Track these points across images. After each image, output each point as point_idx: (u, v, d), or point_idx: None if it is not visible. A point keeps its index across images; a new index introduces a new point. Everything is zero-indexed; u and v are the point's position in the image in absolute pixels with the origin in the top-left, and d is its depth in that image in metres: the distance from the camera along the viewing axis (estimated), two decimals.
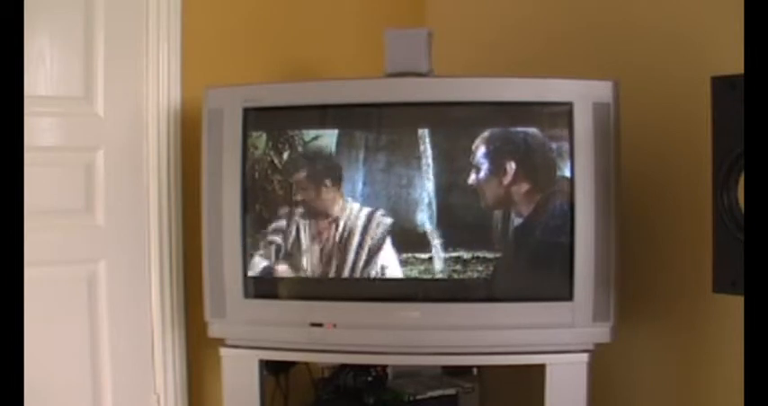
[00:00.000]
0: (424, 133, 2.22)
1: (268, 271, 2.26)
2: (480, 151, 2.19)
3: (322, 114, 2.27)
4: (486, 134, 2.21)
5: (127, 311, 2.49)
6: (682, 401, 2.38)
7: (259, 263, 2.25)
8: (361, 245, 2.21)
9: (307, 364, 2.51)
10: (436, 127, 2.24)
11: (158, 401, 2.55)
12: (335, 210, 2.22)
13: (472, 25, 2.92)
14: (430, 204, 2.20)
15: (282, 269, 2.26)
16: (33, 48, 2.30)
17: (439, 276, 2.20)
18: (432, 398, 2.47)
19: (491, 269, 2.18)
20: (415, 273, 2.20)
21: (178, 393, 2.58)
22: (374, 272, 2.21)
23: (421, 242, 2.20)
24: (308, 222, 2.24)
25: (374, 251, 2.21)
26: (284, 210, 2.25)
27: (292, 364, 2.49)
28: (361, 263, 2.22)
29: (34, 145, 2.23)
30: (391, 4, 3.01)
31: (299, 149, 2.25)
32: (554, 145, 2.16)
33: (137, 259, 2.52)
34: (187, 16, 2.56)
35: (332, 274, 2.23)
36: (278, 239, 2.25)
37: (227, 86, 2.27)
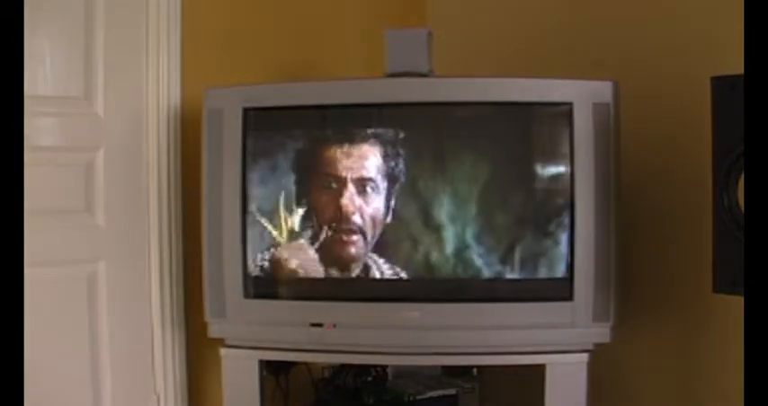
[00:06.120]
0: (423, 133, 2.22)
1: (268, 271, 2.26)
2: (479, 151, 2.19)
3: (322, 114, 2.27)
4: (485, 134, 2.21)
5: (127, 311, 2.49)
6: (682, 401, 2.38)
7: (259, 263, 2.25)
8: (360, 245, 2.21)
9: (307, 364, 2.51)
10: (436, 128, 2.24)
11: (158, 401, 2.55)
12: (335, 210, 2.22)
13: (472, 25, 2.92)
14: (429, 204, 2.20)
15: (282, 270, 2.26)
16: (33, 48, 2.29)
17: (439, 276, 2.20)
18: (432, 398, 2.47)
19: (491, 269, 2.18)
20: (415, 273, 2.20)
21: (178, 393, 2.57)
22: (374, 272, 2.21)
23: (420, 242, 2.20)
24: (308, 222, 2.24)
25: (374, 251, 2.21)
26: (284, 210, 2.25)
27: (292, 364, 2.48)
28: (360, 263, 2.22)
29: (34, 145, 2.22)
30: (391, 4, 3.01)
31: (299, 149, 2.25)
32: (554, 145, 2.16)
33: (137, 259, 2.52)
34: (187, 16, 2.56)
35: (332, 274, 2.23)
36: (278, 239, 2.25)
37: (227, 86, 2.27)
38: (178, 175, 2.56)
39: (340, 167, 2.22)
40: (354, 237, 2.21)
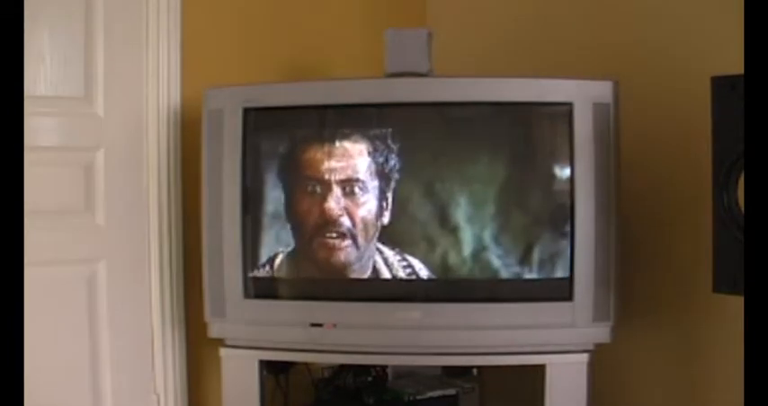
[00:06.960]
0: (423, 133, 2.22)
1: (268, 271, 2.26)
2: (479, 151, 2.19)
3: (322, 114, 2.27)
4: (485, 134, 2.21)
5: (127, 311, 2.49)
6: (682, 401, 2.38)
7: (259, 263, 2.25)
8: (361, 245, 2.21)
9: (307, 364, 2.51)
10: (436, 128, 2.24)
11: (158, 402, 2.55)
12: (336, 210, 2.22)
13: (472, 25, 2.92)
14: (429, 204, 2.20)
15: (282, 269, 2.26)
16: (33, 47, 2.30)
17: (439, 276, 2.20)
18: (432, 398, 2.47)
19: (491, 269, 2.18)
20: (415, 273, 2.20)
21: (178, 393, 2.58)
22: (374, 272, 2.21)
23: (420, 243, 2.20)
24: (308, 222, 2.24)
25: (374, 251, 2.21)
26: (284, 210, 2.25)
27: (292, 364, 2.48)
28: (361, 263, 2.21)
29: (34, 145, 2.22)
30: (391, 4, 3.00)
31: (299, 149, 2.25)
32: (554, 146, 2.16)
33: (137, 259, 2.52)
34: (187, 16, 2.56)
35: (332, 274, 2.23)
36: (278, 239, 2.25)
37: (227, 86, 2.27)
38: (178, 175, 2.56)
39: (339, 167, 2.21)
40: (344, 241, 2.20)
